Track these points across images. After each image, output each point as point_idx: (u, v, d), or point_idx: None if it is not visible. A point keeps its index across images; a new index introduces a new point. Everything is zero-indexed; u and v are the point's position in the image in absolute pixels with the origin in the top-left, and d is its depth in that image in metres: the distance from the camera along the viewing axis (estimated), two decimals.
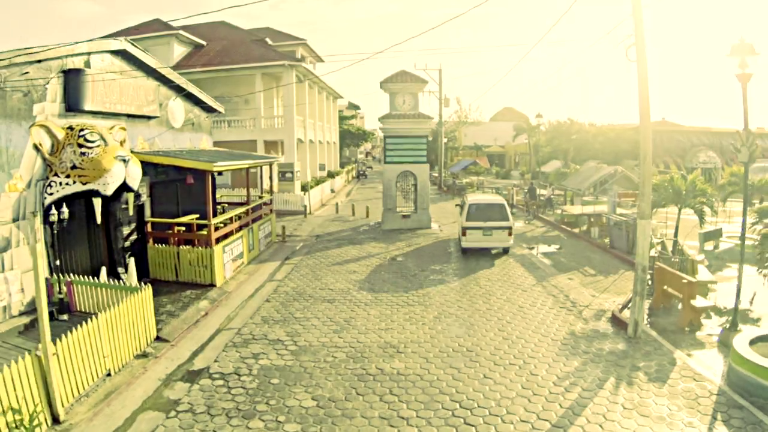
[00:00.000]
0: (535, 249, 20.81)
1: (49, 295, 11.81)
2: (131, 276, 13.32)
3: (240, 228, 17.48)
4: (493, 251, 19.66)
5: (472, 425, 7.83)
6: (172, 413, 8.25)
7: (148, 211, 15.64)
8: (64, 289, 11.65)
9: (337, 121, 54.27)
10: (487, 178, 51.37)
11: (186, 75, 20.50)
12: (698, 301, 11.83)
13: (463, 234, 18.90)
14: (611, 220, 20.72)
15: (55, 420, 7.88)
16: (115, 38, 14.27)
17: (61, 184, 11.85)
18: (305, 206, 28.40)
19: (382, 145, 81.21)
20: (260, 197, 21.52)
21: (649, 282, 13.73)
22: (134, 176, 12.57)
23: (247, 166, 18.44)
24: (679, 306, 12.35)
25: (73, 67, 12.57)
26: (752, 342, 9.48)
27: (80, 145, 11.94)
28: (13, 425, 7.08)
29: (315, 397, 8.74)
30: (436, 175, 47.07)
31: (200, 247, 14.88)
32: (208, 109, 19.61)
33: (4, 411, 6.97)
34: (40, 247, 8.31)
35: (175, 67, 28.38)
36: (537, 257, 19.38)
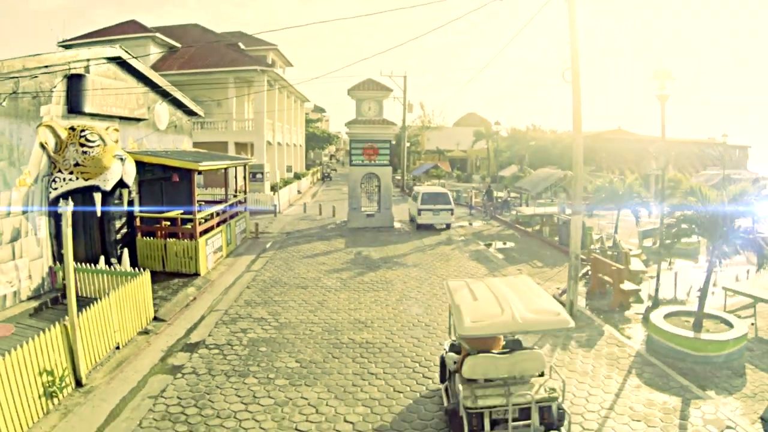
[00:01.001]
0: (491, 246, 22.71)
1: (53, 281, 13.14)
2: (124, 265, 14.63)
3: (219, 224, 18.87)
4: (438, 227, 25.72)
5: (430, 378, 9.56)
6: (178, 375, 9.71)
7: (136, 207, 16.91)
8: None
9: (304, 124, 55.70)
10: (448, 181, 53.34)
11: (162, 77, 21.71)
12: (626, 285, 13.86)
13: (418, 214, 25.18)
14: (560, 219, 22.78)
15: (78, 383, 9.22)
16: (111, 46, 15.51)
17: (64, 179, 13.13)
18: (275, 205, 29.79)
19: (346, 147, 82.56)
20: (235, 196, 22.86)
21: (588, 272, 15.80)
22: (130, 173, 13.93)
23: (225, 166, 19.88)
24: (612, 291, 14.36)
25: (75, 73, 13.85)
26: (666, 316, 11.54)
27: (82, 144, 13.25)
28: (47, 385, 8.42)
29: (298, 360, 10.33)
30: (399, 178, 48.83)
31: (186, 240, 16.25)
32: (189, 113, 20.94)
33: (40, 372, 8.31)
34: (60, 238, 9.64)
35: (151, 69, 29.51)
36: (491, 252, 21.31)
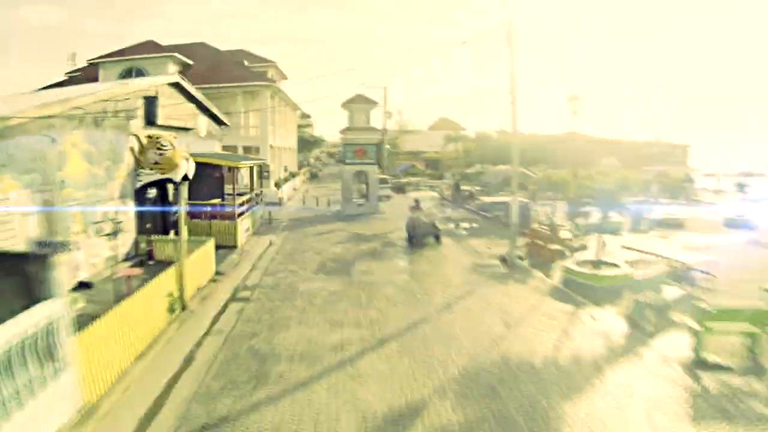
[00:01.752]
0: (458, 225, 27.25)
1: (136, 249, 17.29)
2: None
3: (247, 209, 23.08)
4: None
5: (417, 297, 14.04)
6: (249, 302, 13.98)
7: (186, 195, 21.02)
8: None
9: (296, 128, 59.79)
10: (423, 178, 57.93)
11: None
12: (553, 246, 18.48)
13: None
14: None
15: (183, 308, 13.42)
16: (172, 75, 19.61)
17: (146, 174, 17.27)
18: (280, 198, 33.98)
19: (329, 150, 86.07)
20: (252, 190, 27.04)
21: (528, 242, 20.42)
22: (192, 169, 18.09)
23: (252, 165, 24.08)
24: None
25: (150, 95, 17.99)
26: (578, 263, 16.15)
27: (158, 148, 17.36)
28: (170, 302, 12.61)
29: (329, 292, 14.70)
30: (382, 176, 53.01)
31: (227, 221, 20.45)
32: (219, 123, 25.08)
33: (166, 294, 12.49)
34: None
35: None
36: (458, 230, 25.86)
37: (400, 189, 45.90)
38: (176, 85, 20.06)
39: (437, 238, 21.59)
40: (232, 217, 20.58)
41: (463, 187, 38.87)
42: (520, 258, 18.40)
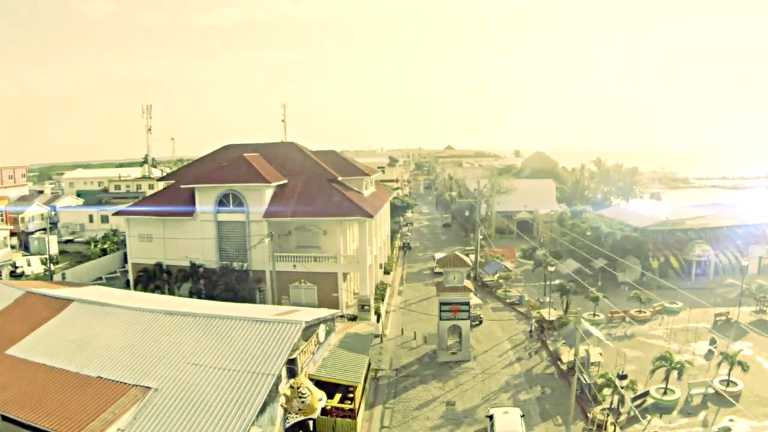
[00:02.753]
0: None
1: None
2: None
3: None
4: None
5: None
6: None
7: None
8: None
9: (389, 209, 61.74)
10: (515, 270, 54.47)
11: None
12: None
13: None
14: None
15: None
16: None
17: (293, 416, 21.01)
18: (380, 335, 37.17)
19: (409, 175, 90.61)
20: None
21: None
22: (324, 401, 21.76)
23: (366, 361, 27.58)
24: None
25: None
26: None
27: (300, 396, 21.08)
28: None
29: None
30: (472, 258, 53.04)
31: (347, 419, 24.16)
32: None
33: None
34: None
35: (269, 215, 39.38)
36: None
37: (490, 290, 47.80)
38: None
39: None
40: (351, 414, 24.15)
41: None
42: None
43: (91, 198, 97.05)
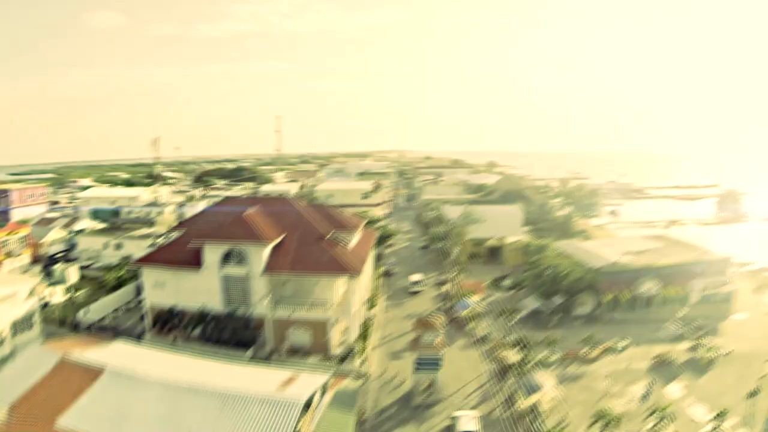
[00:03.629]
0: None
1: None
2: None
3: None
4: None
5: None
6: None
7: None
8: None
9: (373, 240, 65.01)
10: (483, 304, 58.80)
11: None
12: None
13: None
14: None
15: None
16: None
17: None
18: (364, 376, 40.64)
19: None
20: None
21: None
22: None
23: None
24: None
25: None
26: None
27: None
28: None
29: None
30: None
31: None
32: None
33: None
34: None
35: (268, 269, 42.29)
36: None
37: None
38: None
39: None
40: None
41: None
42: None
43: (105, 215, 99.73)
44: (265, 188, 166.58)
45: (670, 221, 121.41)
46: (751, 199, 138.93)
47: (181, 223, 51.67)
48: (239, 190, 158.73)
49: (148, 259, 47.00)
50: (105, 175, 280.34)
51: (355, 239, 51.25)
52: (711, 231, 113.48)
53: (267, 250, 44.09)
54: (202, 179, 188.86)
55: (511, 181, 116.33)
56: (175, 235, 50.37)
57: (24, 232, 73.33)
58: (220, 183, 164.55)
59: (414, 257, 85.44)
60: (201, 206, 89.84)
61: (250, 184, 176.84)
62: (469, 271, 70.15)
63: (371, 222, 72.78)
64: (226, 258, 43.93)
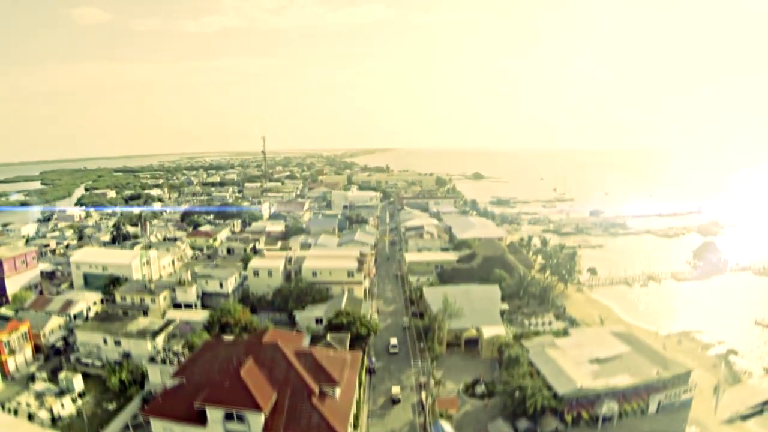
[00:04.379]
0: None
1: None
2: None
3: None
4: None
5: None
6: None
7: None
8: None
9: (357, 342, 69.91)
10: None
11: None
12: None
13: None
14: None
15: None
16: None
17: None
18: None
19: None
20: None
21: None
22: None
23: None
24: None
25: None
26: None
27: None
28: None
29: None
30: None
31: None
32: None
33: None
34: None
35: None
36: None
37: None
38: None
39: None
40: None
41: None
42: None
43: (97, 283, 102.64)
44: (255, 225, 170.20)
45: (647, 277, 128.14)
46: (727, 250, 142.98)
47: (181, 369, 55.04)
48: (227, 230, 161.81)
49: (156, 412, 50.96)
50: (93, 195, 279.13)
51: (341, 385, 55.69)
52: (685, 290, 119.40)
53: (263, 416, 48.66)
54: (187, 217, 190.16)
55: (492, 245, 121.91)
56: (177, 382, 54.33)
57: (24, 328, 76.25)
58: (209, 228, 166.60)
59: (398, 340, 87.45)
60: (192, 292, 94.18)
61: (237, 221, 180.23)
62: (446, 366, 75.66)
63: (359, 337, 77.05)
64: (229, 415, 48.44)
